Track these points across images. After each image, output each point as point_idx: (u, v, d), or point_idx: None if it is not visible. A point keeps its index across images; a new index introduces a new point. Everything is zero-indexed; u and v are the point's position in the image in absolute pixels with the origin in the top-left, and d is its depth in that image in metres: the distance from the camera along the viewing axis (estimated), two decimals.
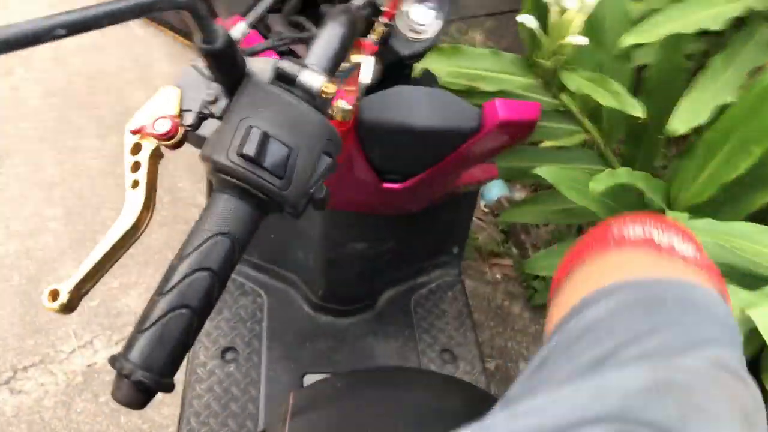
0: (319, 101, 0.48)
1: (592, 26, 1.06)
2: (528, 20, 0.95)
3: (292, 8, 0.76)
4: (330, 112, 0.51)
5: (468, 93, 1.15)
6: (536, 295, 1.76)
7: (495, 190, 2.02)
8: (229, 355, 1.12)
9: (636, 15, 1.05)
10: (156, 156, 0.50)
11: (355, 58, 0.63)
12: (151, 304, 0.44)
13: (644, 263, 0.41)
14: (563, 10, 0.95)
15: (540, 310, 1.78)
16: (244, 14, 0.81)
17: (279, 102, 0.47)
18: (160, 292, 0.44)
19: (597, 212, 1.04)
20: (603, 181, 0.90)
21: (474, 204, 1.20)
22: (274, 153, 0.45)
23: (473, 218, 2.01)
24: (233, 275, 1.21)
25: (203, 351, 1.12)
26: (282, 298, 1.18)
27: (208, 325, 1.15)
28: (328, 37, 0.52)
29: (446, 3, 0.75)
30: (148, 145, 0.50)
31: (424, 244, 1.19)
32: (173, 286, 0.43)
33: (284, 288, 1.19)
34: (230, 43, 0.46)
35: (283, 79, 0.49)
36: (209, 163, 0.46)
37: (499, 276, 1.82)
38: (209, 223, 0.45)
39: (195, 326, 0.44)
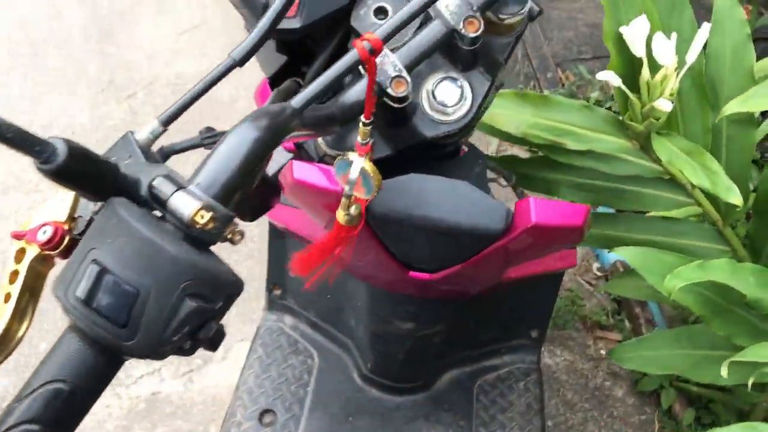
0: (196, 231, 0.39)
1: (704, 84, 0.89)
2: (611, 78, 0.80)
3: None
4: (229, 236, 0.42)
5: (552, 149, 1.00)
6: (645, 380, 1.54)
7: (613, 253, 1.81)
8: (266, 418, 1.04)
9: (761, 74, 0.86)
10: (41, 265, 0.46)
11: (352, 155, 0.53)
12: None
13: None
14: (656, 67, 0.79)
15: (648, 396, 1.55)
16: (270, 78, 0.73)
17: (133, 232, 0.38)
18: None
19: (690, 307, 0.85)
20: (686, 276, 0.72)
21: (557, 286, 1.03)
22: (114, 296, 0.37)
23: (582, 282, 1.82)
24: (288, 331, 1.15)
25: (241, 409, 1.05)
26: (333, 363, 1.09)
27: (252, 381, 1.08)
28: (227, 148, 0.42)
29: (482, 82, 0.62)
30: (31, 253, 0.45)
31: (486, 329, 1.05)
32: None
33: (337, 352, 1.10)
34: (74, 155, 0.38)
35: (158, 199, 0.40)
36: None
37: (603, 351, 1.62)
38: (48, 366, 0.38)
39: None
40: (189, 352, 0.41)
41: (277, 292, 1.14)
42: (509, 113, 1.00)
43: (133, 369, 1.51)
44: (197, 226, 0.39)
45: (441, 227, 0.63)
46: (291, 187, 0.64)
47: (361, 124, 0.51)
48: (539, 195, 1.66)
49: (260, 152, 0.43)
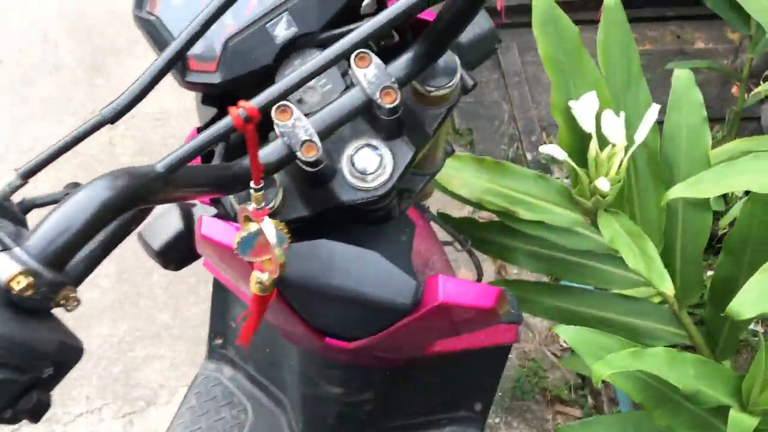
0: (16, 297, 0.36)
1: (659, 163, 0.87)
2: (554, 152, 0.78)
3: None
4: (62, 302, 0.38)
5: (506, 216, 0.98)
6: None
7: None
8: None
9: (717, 158, 0.84)
10: None
11: (253, 226, 0.50)
12: None
13: None
14: (607, 143, 0.77)
15: None
16: (200, 129, 0.71)
17: None
18: None
19: (629, 394, 0.81)
20: (617, 364, 0.69)
21: (502, 360, 0.99)
22: None
23: (547, 353, 1.78)
24: (226, 382, 1.11)
25: None
26: (267, 420, 1.04)
27: (180, 431, 1.04)
28: (71, 206, 0.38)
29: (405, 152, 0.59)
30: None
31: (422, 399, 1.01)
32: None
33: (272, 409, 1.05)
34: None
35: None
36: None
37: None
38: None
39: None
40: (10, 421, 0.37)
41: (219, 341, 1.10)
42: (465, 177, 0.98)
43: (74, 405, 1.45)
44: (14, 292, 0.36)
45: (345, 296, 0.60)
46: (199, 242, 0.61)
47: (252, 191, 0.48)
48: (497, 260, 1.63)
49: (110, 214, 0.39)
